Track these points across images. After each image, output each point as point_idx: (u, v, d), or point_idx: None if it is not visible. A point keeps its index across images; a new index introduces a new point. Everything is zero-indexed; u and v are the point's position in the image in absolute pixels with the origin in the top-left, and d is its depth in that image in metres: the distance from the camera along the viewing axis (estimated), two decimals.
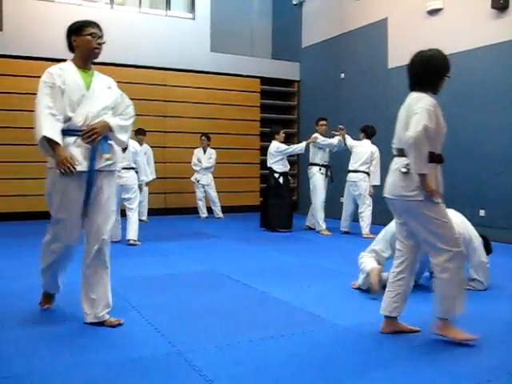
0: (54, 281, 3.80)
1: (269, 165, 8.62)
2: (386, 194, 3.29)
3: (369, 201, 7.88)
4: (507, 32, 7.30)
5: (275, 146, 8.51)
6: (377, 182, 7.83)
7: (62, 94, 3.33)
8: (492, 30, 7.51)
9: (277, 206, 8.47)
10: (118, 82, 10.27)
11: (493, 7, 7.43)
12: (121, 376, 2.65)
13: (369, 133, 8.08)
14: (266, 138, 11.81)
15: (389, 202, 3.30)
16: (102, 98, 3.52)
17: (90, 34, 3.44)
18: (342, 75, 10.58)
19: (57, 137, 3.26)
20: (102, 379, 2.61)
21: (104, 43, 3.55)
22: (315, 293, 4.41)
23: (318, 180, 8.48)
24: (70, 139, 3.35)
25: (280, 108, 12.40)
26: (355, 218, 8.18)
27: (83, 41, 3.45)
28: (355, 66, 10.24)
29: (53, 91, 3.31)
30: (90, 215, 3.46)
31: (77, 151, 3.36)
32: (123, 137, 3.62)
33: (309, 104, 11.79)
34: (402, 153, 3.19)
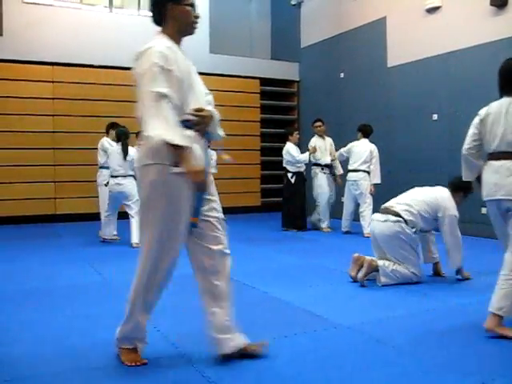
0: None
1: (283, 165, 8.68)
2: (502, 195, 3.32)
3: (369, 200, 7.87)
4: (506, 29, 7.28)
5: (286, 148, 8.54)
6: (377, 181, 7.84)
7: (178, 84, 2.63)
8: (491, 28, 7.50)
9: (289, 205, 8.50)
10: (118, 84, 10.39)
11: (492, 4, 7.42)
12: (124, 379, 2.65)
13: (367, 131, 8.10)
14: (267, 138, 11.87)
15: (500, 203, 3.35)
16: (201, 85, 2.90)
17: (191, 5, 2.79)
18: (342, 75, 10.57)
19: (185, 141, 2.56)
20: (106, 382, 2.61)
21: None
22: (317, 293, 4.41)
23: (320, 179, 8.56)
24: (188, 133, 2.68)
25: (280, 108, 12.40)
26: (355, 217, 8.18)
27: (183, 12, 2.76)
28: (355, 65, 10.24)
29: (169, 79, 2.59)
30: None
31: (196, 147, 2.70)
32: (221, 131, 3.12)
33: (309, 104, 11.79)
34: None
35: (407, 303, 4.04)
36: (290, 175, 8.57)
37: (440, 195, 4.71)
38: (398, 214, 4.64)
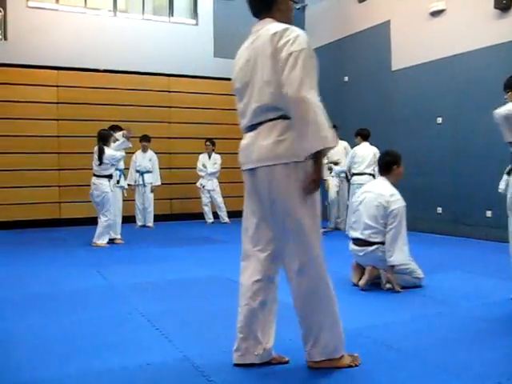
0: None
1: None
2: None
3: None
4: (510, 32, 7.28)
5: None
6: None
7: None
8: (495, 31, 7.49)
9: None
10: (122, 88, 10.42)
11: (496, 7, 7.41)
12: (129, 383, 2.65)
13: (365, 135, 8.17)
14: None
15: None
16: None
17: (294, 1, 2.80)
18: (346, 78, 10.57)
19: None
20: None
21: None
22: None
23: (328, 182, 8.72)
24: None
25: None
26: None
27: (289, 6, 2.76)
28: (359, 68, 10.23)
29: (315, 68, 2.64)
30: None
31: None
32: None
33: None
34: None
35: (412, 307, 4.03)
36: None
37: (380, 195, 4.55)
38: (371, 243, 4.57)
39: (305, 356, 2.76)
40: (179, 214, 10.91)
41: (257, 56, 2.61)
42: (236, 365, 2.78)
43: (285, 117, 2.56)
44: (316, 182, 2.55)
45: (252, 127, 2.67)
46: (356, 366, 2.76)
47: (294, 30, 2.55)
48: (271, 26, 2.60)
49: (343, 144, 8.88)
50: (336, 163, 8.65)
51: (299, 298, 2.70)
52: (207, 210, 10.42)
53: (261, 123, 2.62)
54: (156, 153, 9.88)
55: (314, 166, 2.54)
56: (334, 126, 9.34)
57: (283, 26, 2.57)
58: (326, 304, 2.70)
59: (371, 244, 4.55)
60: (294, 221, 2.59)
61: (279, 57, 2.50)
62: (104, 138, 7.39)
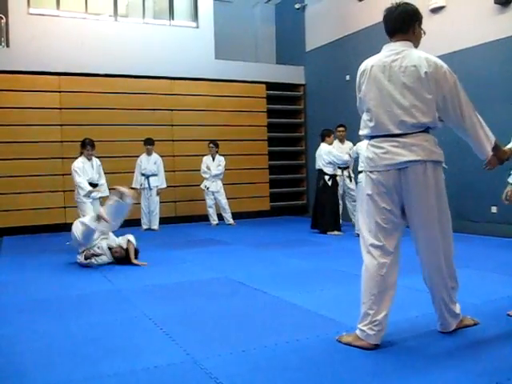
0: None
1: (318, 167, 8.57)
2: None
3: None
4: (511, 27, 7.26)
5: (328, 149, 8.48)
6: None
7: None
8: (496, 26, 7.47)
9: (324, 208, 8.47)
10: (124, 92, 10.44)
11: (496, 2, 7.41)
12: None
13: None
14: (274, 142, 11.88)
15: None
16: None
17: (424, 32, 3.26)
18: (348, 77, 10.56)
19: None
20: None
21: None
22: (329, 296, 4.39)
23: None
24: None
25: (286, 112, 12.41)
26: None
27: (420, 34, 3.25)
28: None
29: None
30: None
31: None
32: None
33: (315, 107, 11.79)
34: None
35: (419, 304, 4.02)
36: (327, 178, 8.49)
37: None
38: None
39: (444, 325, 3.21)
40: (184, 216, 10.91)
41: (405, 76, 3.06)
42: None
43: (427, 130, 3.22)
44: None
45: (397, 135, 3.12)
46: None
47: (443, 64, 3.04)
48: (420, 54, 3.06)
49: (349, 145, 8.85)
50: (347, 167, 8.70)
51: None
52: (212, 211, 10.42)
53: (408, 134, 3.12)
54: (159, 156, 9.89)
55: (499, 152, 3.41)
56: (343, 126, 9.29)
57: (432, 57, 3.04)
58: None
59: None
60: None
61: (440, 88, 3.06)
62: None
